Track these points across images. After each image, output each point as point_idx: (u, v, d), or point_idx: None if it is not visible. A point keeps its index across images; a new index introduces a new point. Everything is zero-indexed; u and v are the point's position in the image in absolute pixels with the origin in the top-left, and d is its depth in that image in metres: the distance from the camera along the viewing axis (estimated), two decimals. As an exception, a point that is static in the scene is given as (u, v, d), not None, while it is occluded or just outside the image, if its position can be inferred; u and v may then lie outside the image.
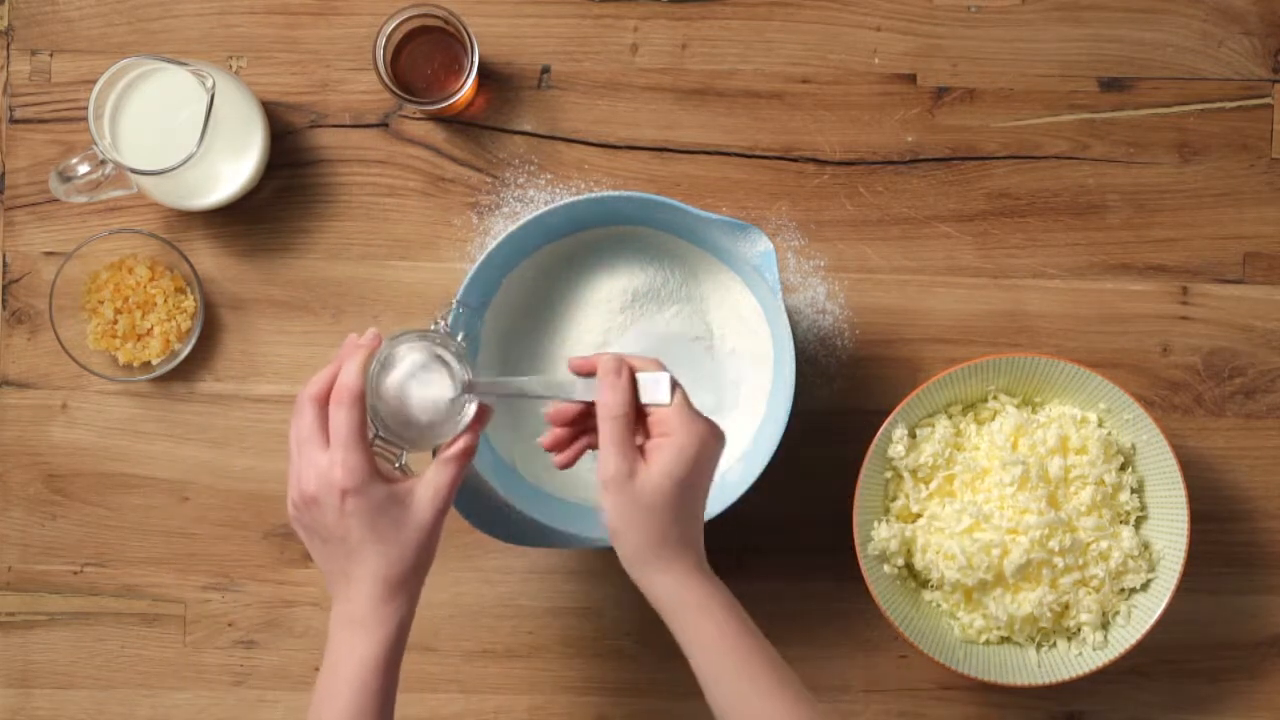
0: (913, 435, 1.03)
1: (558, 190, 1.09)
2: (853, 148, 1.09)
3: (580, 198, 0.98)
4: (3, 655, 1.09)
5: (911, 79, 1.09)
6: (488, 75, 1.09)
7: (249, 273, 1.09)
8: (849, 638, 1.09)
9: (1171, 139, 1.09)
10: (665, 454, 0.84)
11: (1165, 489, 1.02)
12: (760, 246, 0.97)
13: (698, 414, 0.86)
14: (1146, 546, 1.03)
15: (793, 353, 0.97)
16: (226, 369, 1.09)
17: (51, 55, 1.09)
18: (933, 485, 1.03)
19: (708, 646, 0.85)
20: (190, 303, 1.07)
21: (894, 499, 1.05)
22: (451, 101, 1.04)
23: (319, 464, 0.85)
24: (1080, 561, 1.02)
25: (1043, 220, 1.09)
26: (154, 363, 1.07)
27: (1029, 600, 1.01)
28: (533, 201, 1.09)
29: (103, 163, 0.98)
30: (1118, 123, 1.09)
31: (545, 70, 1.09)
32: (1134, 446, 1.04)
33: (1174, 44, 1.09)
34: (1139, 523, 1.04)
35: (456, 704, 1.09)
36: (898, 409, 1.01)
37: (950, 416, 1.04)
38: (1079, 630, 1.03)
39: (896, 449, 1.02)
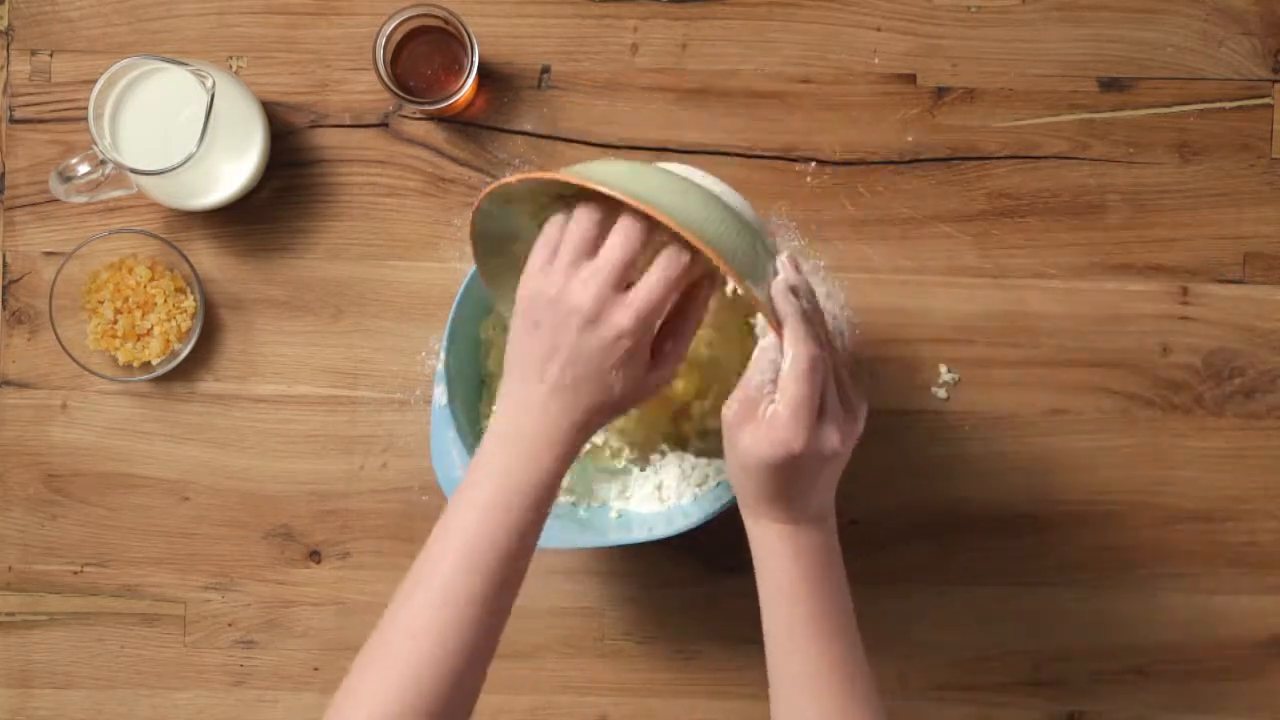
0: None
1: (558, 190, 1.09)
2: (853, 148, 1.09)
3: (580, 198, 0.98)
4: (3, 655, 1.09)
5: (911, 79, 1.09)
6: (488, 75, 1.09)
7: (249, 273, 1.09)
8: (849, 638, 1.09)
9: (1171, 139, 1.09)
10: None
11: None
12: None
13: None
14: None
15: (793, 353, 0.96)
16: (226, 369, 1.09)
17: (51, 55, 1.09)
18: None
19: None
20: (190, 303, 1.07)
21: None
22: (451, 101, 1.04)
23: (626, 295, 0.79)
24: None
25: (1043, 220, 1.09)
26: (154, 363, 1.07)
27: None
28: (533, 201, 1.09)
29: (103, 163, 0.98)
30: (1118, 123, 1.09)
31: (545, 70, 1.09)
32: None
33: (1174, 44, 1.09)
34: None
35: (456, 704, 1.09)
36: None
37: None
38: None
39: None
